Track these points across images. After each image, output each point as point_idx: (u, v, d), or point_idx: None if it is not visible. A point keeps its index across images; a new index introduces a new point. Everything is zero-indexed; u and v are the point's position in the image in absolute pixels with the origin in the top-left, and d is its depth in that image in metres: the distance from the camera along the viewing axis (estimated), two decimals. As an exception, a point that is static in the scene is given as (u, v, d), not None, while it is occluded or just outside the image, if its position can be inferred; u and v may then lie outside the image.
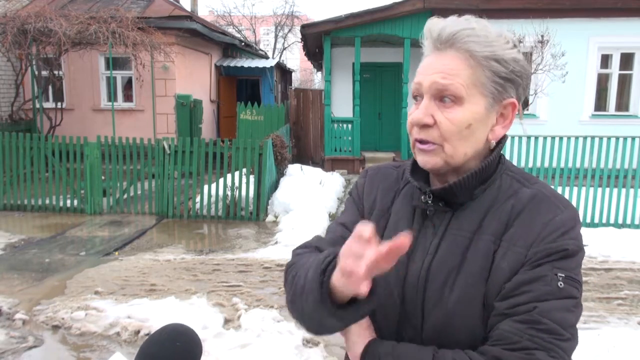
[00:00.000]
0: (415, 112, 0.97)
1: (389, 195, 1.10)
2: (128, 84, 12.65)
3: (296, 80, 36.47)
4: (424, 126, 0.96)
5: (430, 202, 1.00)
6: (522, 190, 0.98)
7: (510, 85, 0.97)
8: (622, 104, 11.52)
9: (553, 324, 0.86)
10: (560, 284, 0.89)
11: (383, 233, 1.05)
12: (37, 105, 10.94)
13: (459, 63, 0.94)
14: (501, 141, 1.01)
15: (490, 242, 0.94)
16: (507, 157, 7.45)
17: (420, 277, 0.97)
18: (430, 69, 0.96)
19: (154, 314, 4.08)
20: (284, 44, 32.82)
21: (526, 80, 0.99)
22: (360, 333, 0.98)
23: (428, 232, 1.00)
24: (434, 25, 0.98)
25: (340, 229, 1.11)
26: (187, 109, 12.18)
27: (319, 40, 12.67)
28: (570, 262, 0.91)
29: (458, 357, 0.89)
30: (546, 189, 0.99)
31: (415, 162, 1.05)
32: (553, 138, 7.49)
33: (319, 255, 0.94)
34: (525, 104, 9.46)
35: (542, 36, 9.15)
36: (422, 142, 0.97)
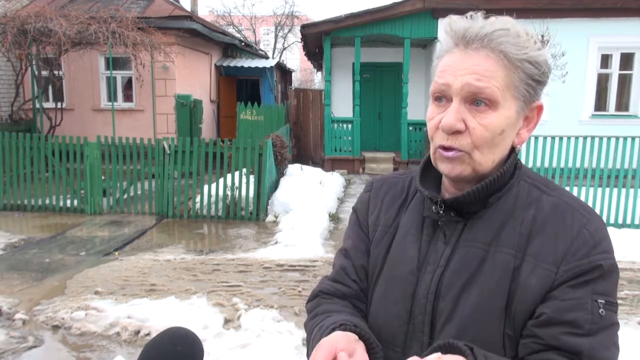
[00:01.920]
0: (446, 117, 0.88)
1: (394, 207, 1.04)
2: (128, 84, 12.65)
3: (296, 80, 36.47)
4: (455, 132, 0.88)
5: (442, 212, 0.94)
6: (542, 199, 0.92)
7: (540, 87, 0.92)
8: (622, 104, 11.52)
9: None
10: (602, 312, 0.84)
11: (388, 249, 1.00)
12: (37, 105, 10.94)
13: (492, 64, 0.87)
14: (519, 146, 0.95)
15: (509, 255, 0.88)
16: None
17: (430, 290, 0.92)
18: (461, 68, 0.88)
19: (154, 314, 4.08)
20: (284, 44, 32.84)
21: (547, 81, 0.94)
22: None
23: (439, 243, 0.95)
24: (461, 22, 0.90)
25: (341, 260, 1.08)
26: (187, 109, 12.19)
27: (319, 40, 12.68)
28: (607, 282, 0.86)
29: None
30: (567, 196, 0.93)
31: (424, 170, 1.00)
32: (553, 138, 7.50)
33: (315, 330, 0.96)
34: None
35: (542, 36, 9.15)
36: (446, 149, 0.89)
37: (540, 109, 0.94)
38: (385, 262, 1.00)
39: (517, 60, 0.88)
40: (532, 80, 0.90)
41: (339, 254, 1.11)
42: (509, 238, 0.89)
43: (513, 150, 0.94)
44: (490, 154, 0.90)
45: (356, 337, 0.89)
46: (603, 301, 0.84)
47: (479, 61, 0.87)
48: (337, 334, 0.86)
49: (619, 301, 3.80)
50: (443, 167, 0.92)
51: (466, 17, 0.91)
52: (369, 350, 0.89)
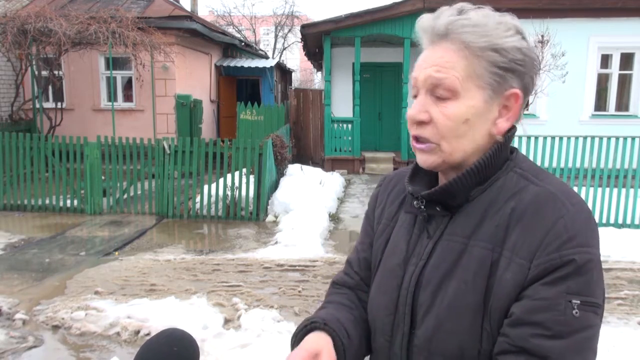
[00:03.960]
0: (410, 109, 0.93)
1: (397, 201, 1.06)
2: (128, 84, 12.65)
3: (296, 80, 36.47)
4: (420, 123, 0.91)
5: (423, 206, 0.95)
6: (526, 189, 0.89)
7: (511, 75, 0.89)
8: (622, 104, 11.52)
9: None
10: (576, 313, 0.79)
11: (387, 242, 1.04)
12: (37, 105, 10.95)
13: (452, 55, 0.88)
14: (506, 136, 0.93)
15: (487, 250, 0.87)
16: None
17: (411, 283, 0.94)
18: (425, 62, 0.91)
19: (154, 314, 4.08)
20: (284, 44, 32.83)
21: (532, 68, 0.91)
22: None
23: (425, 237, 0.96)
24: (427, 20, 0.93)
25: (351, 253, 1.16)
26: (187, 109, 12.19)
27: (319, 40, 12.68)
28: (583, 279, 0.80)
29: None
30: (555, 185, 0.88)
31: (416, 167, 1.01)
32: (553, 138, 7.50)
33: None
34: (526, 104, 9.45)
35: (542, 36, 9.15)
36: (418, 140, 0.92)
37: (516, 96, 0.91)
38: (383, 254, 1.03)
39: (479, 49, 0.88)
40: (497, 68, 0.88)
41: (355, 247, 1.17)
42: (487, 231, 0.88)
43: (503, 142, 0.93)
44: (459, 144, 0.90)
45: (325, 335, 0.96)
46: (578, 301, 0.79)
47: (441, 53, 0.89)
48: (305, 342, 0.94)
49: (619, 301, 3.77)
50: (418, 158, 0.95)
51: (436, 14, 0.92)
52: (337, 346, 0.95)
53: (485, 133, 0.91)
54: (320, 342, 0.94)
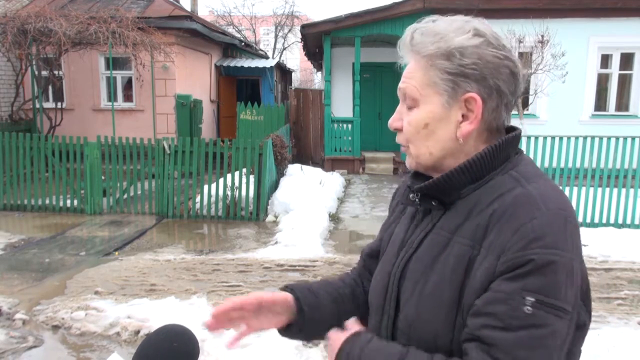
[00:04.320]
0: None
1: (405, 197, 1.11)
2: (128, 84, 12.65)
3: (296, 80, 36.46)
4: (396, 129, 1.01)
5: (417, 199, 1.01)
6: (511, 191, 0.90)
7: (463, 79, 0.91)
8: (622, 104, 11.52)
9: None
10: (528, 309, 0.81)
11: (389, 239, 1.10)
12: (37, 105, 10.95)
13: (413, 65, 0.97)
14: (506, 138, 0.95)
15: (467, 246, 0.90)
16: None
17: (397, 270, 1.00)
18: (403, 75, 1.01)
19: (154, 314, 4.08)
20: (284, 44, 32.83)
21: (496, 72, 0.91)
22: (340, 334, 1.01)
23: (419, 229, 1.01)
24: (402, 40, 1.00)
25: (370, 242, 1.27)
26: (187, 109, 12.19)
27: (319, 40, 12.68)
28: (542, 279, 0.81)
29: None
30: (539, 189, 0.89)
31: None
32: (553, 138, 7.49)
33: None
34: (525, 104, 9.46)
35: (542, 36, 9.16)
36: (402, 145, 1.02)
37: (474, 100, 0.92)
38: (388, 245, 1.10)
39: (428, 58, 0.93)
40: (448, 74, 0.92)
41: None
42: (469, 229, 0.91)
43: (499, 144, 0.94)
44: (423, 147, 0.97)
45: (287, 298, 1.11)
46: (533, 299, 0.81)
47: (409, 66, 0.99)
48: (262, 292, 1.14)
49: (619, 301, 3.77)
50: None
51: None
52: (297, 308, 1.11)
53: (450, 136, 0.95)
54: (269, 295, 1.12)
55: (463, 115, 0.94)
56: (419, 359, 0.89)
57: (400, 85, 0.99)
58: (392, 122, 1.01)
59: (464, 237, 0.91)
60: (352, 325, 1.04)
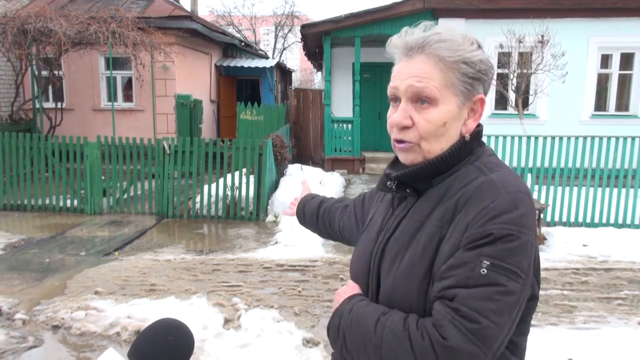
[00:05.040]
0: (394, 115, 1.07)
1: (383, 184, 1.24)
2: (128, 84, 12.65)
3: (296, 80, 36.46)
4: (404, 127, 1.06)
5: (394, 187, 1.13)
6: (476, 179, 1.03)
7: (478, 83, 1.06)
8: (622, 104, 11.52)
9: (469, 310, 0.92)
10: (483, 271, 0.93)
11: (370, 221, 1.26)
12: (37, 105, 10.94)
13: (430, 67, 1.03)
14: (473, 134, 1.10)
15: (437, 227, 1.03)
16: (507, 156, 7.50)
17: (378, 250, 1.13)
18: (405, 73, 1.06)
19: (154, 314, 4.07)
20: (284, 44, 32.82)
21: (491, 76, 1.09)
22: (346, 291, 1.16)
23: (395, 214, 1.15)
24: (397, 38, 1.08)
25: (357, 200, 1.54)
26: (187, 109, 12.18)
27: (319, 40, 12.67)
28: (498, 248, 0.94)
29: (397, 319, 1.00)
30: (500, 175, 1.02)
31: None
32: (553, 138, 7.49)
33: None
34: (525, 104, 9.45)
35: (542, 36, 9.15)
36: (399, 141, 1.08)
37: (482, 101, 1.08)
38: (367, 226, 1.26)
39: (452, 62, 1.03)
40: (468, 78, 1.05)
41: (360, 196, 1.54)
42: (439, 212, 1.04)
43: (465, 138, 1.08)
44: (437, 142, 1.06)
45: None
46: (488, 263, 0.94)
47: (419, 66, 1.04)
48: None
49: (619, 301, 3.79)
50: (400, 156, 1.12)
51: (406, 31, 1.09)
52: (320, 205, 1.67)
53: (458, 133, 1.08)
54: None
55: (468, 114, 1.08)
56: (395, 317, 1.00)
57: (415, 83, 1.03)
58: (402, 119, 1.06)
59: (436, 220, 1.04)
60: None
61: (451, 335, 0.92)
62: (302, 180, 1.90)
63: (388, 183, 1.14)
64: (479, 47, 1.07)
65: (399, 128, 1.07)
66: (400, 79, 1.06)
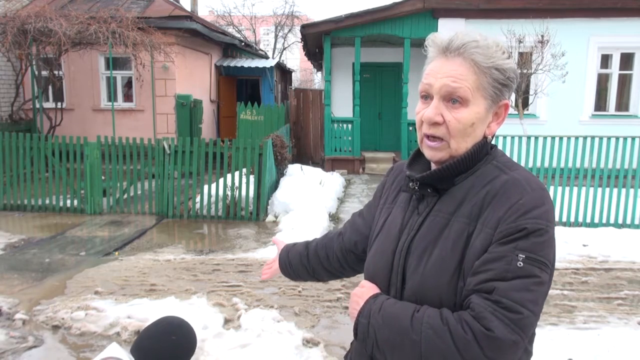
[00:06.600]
0: (427, 111, 1.12)
1: (397, 187, 1.30)
2: (128, 84, 12.65)
3: (296, 80, 36.46)
4: (434, 124, 1.12)
5: (417, 187, 1.17)
6: (499, 177, 1.10)
7: (506, 89, 1.14)
8: (622, 104, 11.52)
9: (510, 301, 0.98)
10: (520, 264, 1.00)
11: (387, 218, 1.27)
12: (37, 105, 10.94)
13: (465, 70, 1.09)
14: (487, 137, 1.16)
15: (465, 224, 1.08)
16: (508, 156, 7.48)
17: (403, 248, 1.16)
18: (440, 72, 1.11)
19: (154, 314, 4.07)
20: (284, 44, 32.82)
21: (516, 84, 1.17)
22: (363, 292, 1.18)
23: (415, 213, 1.19)
24: (440, 36, 1.14)
25: (351, 219, 1.51)
26: (187, 109, 12.18)
27: (319, 40, 12.67)
28: (531, 241, 1.01)
29: (432, 314, 1.03)
30: (521, 174, 1.10)
31: (415, 156, 1.25)
32: (553, 138, 7.49)
33: None
34: (525, 104, 9.46)
35: (542, 36, 9.15)
36: (430, 138, 1.13)
37: (506, 106, 1.17)
38: (383, 227, 1.27)
39: (486, 67, 1.10)
40: (498, 84, 1.12)
41: (353, 215, 1.52)
42: (466, 209, 1.09)
43: (486, 140, 1.15)
44: (464, 142, 1.12)
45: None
46: (523, 256, 1.00)
47: (455, 67, 1.10)
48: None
49: (619, 301, 3.79)
50: (427, 153, 1.16)
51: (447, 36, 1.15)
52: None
53: (482, 134, 1.15)
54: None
55: (492, 117, 1.16)
56: (431, 312, 1.04)
57: (450, 83, 1.09)
58: (434, 116, 1.11)
59: (463, 216, 1.09)
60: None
61: (495, 326, 0.97)
62: (272, 239, 1.90)
63: (410, 184, 1.19)
64: (509, 56, 1.13)
65: (430, 124, 1.12)
66: (436, 77, 1.11)
